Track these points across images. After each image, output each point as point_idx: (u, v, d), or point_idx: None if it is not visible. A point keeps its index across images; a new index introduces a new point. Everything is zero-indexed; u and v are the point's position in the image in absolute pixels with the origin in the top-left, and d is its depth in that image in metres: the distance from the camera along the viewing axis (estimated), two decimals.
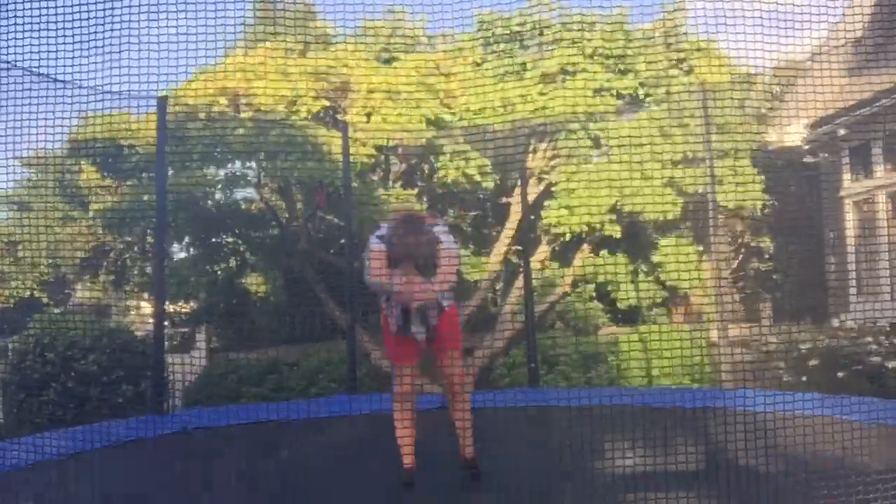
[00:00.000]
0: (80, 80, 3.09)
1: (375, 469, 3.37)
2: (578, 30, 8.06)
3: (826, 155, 8.38)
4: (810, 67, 5.16)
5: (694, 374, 7.31)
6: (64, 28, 2.72)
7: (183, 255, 9.02)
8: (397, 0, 8.20)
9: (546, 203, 8.14)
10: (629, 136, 7.72)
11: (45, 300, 9.85)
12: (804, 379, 6.05)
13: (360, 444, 4.13)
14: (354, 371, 6.44)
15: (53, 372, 6.27)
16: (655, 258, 8.41)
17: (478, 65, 8.31)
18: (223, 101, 7.49)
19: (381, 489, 2.96)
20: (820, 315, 7.36)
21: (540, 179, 8.26)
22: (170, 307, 8.90)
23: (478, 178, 7.92)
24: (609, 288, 8.52)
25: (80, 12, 2.69)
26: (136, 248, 9.38)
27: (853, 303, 7.14)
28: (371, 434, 4.36)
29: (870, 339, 5.98)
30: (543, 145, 8.18)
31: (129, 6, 2.67)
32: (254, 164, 8.03)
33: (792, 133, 8.18)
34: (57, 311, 9.37)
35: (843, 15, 3.97)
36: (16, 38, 2.84)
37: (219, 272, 9.05)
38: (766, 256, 8.91)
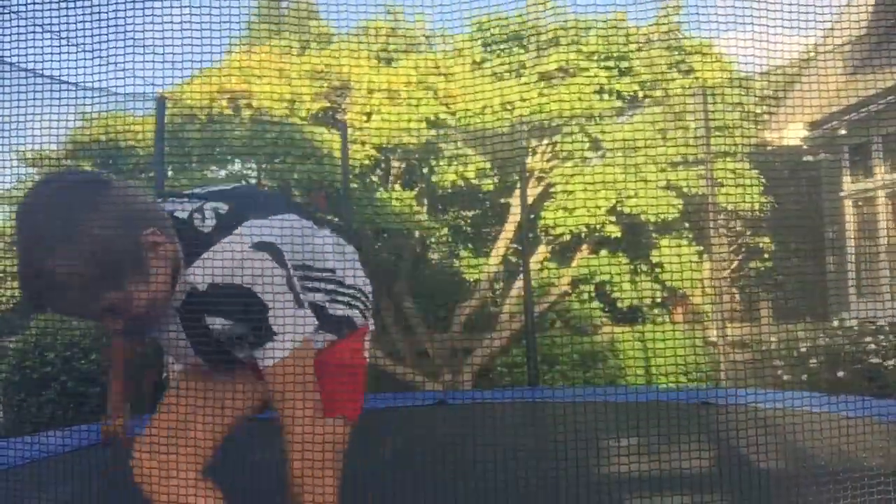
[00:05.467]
0: (79, 80, 3.09)
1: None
2: (576, 31, 8.07)
3: (826, 155, 8.38)
4: (810, 67, 5.17)
5: (693, 373, 7.31)
6: (64, 28, 2.72)
7: None
8: (397, 0, 8.22)
9: (545, 203, 8.15)
10: (630, 138, 7.73)
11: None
12: (804, 378, 6.05)
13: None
14: None
15: (53, 372, 6.27)
16: (655, 258, 8.42)
17: (477, 65, 8.33)
18: (223, 101, 7.50)
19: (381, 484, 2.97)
20: (820, 315, 7.35)
21: (539, 180, 8.27)
22: None
23: (476, 181, 7.94)
24: (609, 288, 8.53)
25: (80, 12, 2.68)
26: None
27: (853, 302, 7.14)
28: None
29: (869, 338, 5.98)
30: (543, 146, 8.19)
31: (130, 6, 2.66)
32: (254, 165, 8.04)
33: (792, 133, 8.18)
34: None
35: (844, 14, 3.97)
36: (15, 37, 2.83)
37: None
38: (766, 256, 8.91)
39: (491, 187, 8.23)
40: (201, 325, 1.54)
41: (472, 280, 8.88)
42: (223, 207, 1.56)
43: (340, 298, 1.69)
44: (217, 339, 1.55)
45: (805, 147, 8.33)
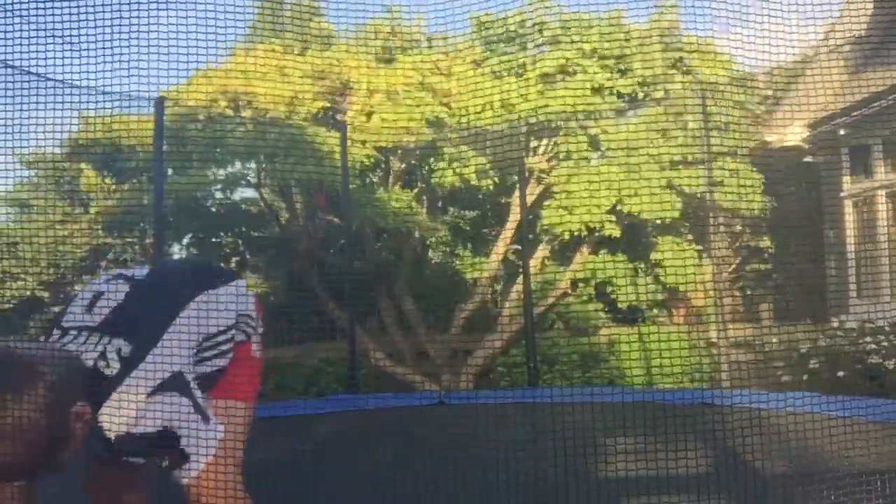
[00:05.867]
0: (79, 80, 3.08)
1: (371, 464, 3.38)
2: (576, 29, 8.06)
3: (826, 155, 8.37)
4: (810, 67, 5.16)
5: (694, 373, 7.31)
6: (64, 28, 2.71)
7: (183, 255, 9.04)
8: (396, 0, 8.21)
9: (545, 203, 8.14)
10: (627, 138, 7.73)
11: (45, 300, 9.84)
12: (804, 378, 6.05)
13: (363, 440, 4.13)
14: (354, 371, 6.45)
15: None
16: (655, 258, 8.42)
17: (477, 64, 8.32)
18: (223, 101, 7.50)
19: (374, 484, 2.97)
20: (820, 315, 7.35)
21: (539, 180, 8.27)
22: None
23: (476, 181, 7.93)
24: (609, 288, 8.53)
25: (79, 12, 2.67)
26: (136, 248, 9.38)
27: (853, 303, 7.13)
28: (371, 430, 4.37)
29: (869, 339, 5.97)
30: (543, 145, 8.19)
31: (129, 5, 2.66)
32: (253, 165, 8.04)
33: (792, 133, 8.17)
34: (57, 310, 9.34)
35: (843, 14, 3.97)
36: (15, 39, 2.83)
37: None
38: (766, 256, 8.91)
39: (491, 187, 8.22)
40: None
41: (471, 280, 8.89)
42: (125, 348, 1.63)
43: (236, 338, 1.88)
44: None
45: (805, 147, 8.33)
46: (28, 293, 9.58)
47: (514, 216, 8.07)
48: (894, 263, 6.69)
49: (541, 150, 8.19)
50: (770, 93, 7.92)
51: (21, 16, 2.71)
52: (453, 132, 7.83)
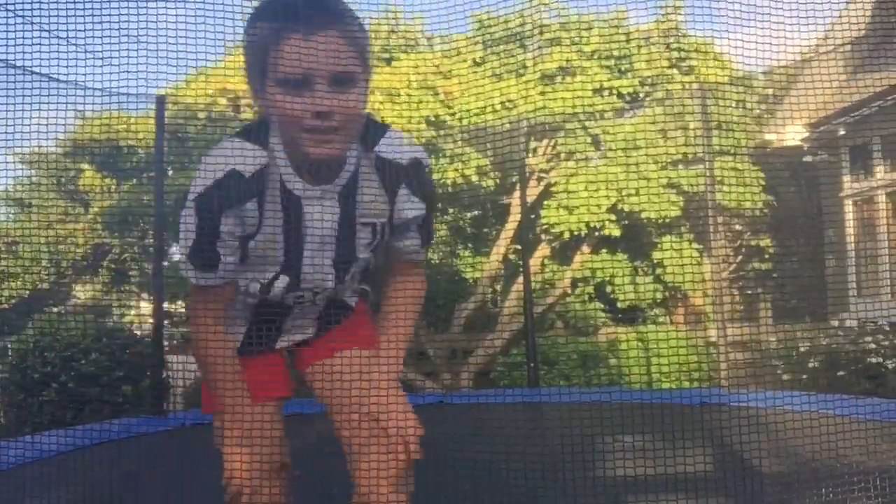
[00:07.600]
0: (79, 79, 3.09)
1: None
2: (576, 30, 8.06)
3: (826, 155, 8.38)
4: (810, 67, 5.16)
5: (693, 373, 7.31)
6: (63, 27, 2.71)
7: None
8: (397, 0, 8.21)
9: (546, 203, 8.14)
10: (628, 137, 7.73)
11: (44, 300, 9.83)
12: (804, 378, 6.05)
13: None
14: None
15: (53, 372, 6.25)
16: (655, 257, 8.41)
17: (477, 64, 8.31)
18: (223, 101, 7.49)
19: None
20: (820, 315, 7.35)
21: (539, 179, 8.26)
22: (169, 307, 8.89)
23: (476, 180, 7.92)
24: (609, 288, 8.52)
25: (78, 11, 2.67)
26: (136, 248, 9.37)
27: (853, 303, 7.14)
28: None
29: (869, 338, 5.97)
30: (543, 145, 8.18)
31: (129, 4, 2.66)
32: None
33: (792, 133, 8.17)
34: (56, 310, 9.36)
35: (844, 14, 3.97)
36: (15, 38, 2.83)
37: None
38: (766, 256, 8.90)
39: (492, 186, 8.22)
40: (373, 198, 1.69)
41: (471, 280, 8.87)
42: None
43: None
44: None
45: (805, 147, 8.33)
46: (27, 292, 9.59)
47: (515, 216, 8.06)
48: (894, 263, 6.69)
49: (541, 150, 8.19)
50: (770, 92, 7.92)
51: (22, 15, 2.70)
52: (454, 131, 7.82)
